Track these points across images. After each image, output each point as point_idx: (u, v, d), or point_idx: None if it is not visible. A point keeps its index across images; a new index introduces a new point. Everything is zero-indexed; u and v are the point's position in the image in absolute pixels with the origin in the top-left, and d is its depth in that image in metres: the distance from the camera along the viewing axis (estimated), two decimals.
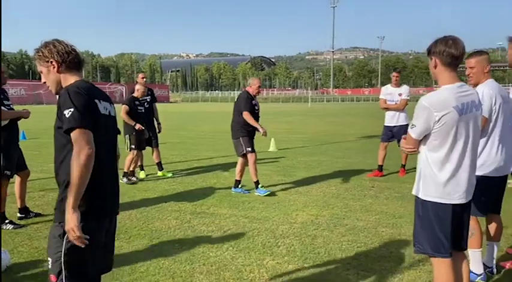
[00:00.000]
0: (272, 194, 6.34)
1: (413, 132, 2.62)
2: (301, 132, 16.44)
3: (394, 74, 7.76)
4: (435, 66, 2.61)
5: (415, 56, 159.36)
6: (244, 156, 6.42)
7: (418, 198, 2.67)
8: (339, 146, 12.04)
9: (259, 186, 6.43)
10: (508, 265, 3.72)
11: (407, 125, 7.51)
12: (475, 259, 3.45)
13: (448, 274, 2.62)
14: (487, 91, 3.33)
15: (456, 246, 2.70)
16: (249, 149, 6.41)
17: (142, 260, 3.95)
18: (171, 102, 67.78)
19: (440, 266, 2.64)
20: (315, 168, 8.53)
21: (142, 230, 4.85)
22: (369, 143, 12.50)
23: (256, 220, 5.15)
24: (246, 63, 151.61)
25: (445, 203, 2.58)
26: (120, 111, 6.69)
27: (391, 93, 7.70)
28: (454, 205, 2.59)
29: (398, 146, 7.69)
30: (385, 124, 7.76)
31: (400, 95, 7.58)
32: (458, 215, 2.63)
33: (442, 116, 2.47)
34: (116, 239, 4.02)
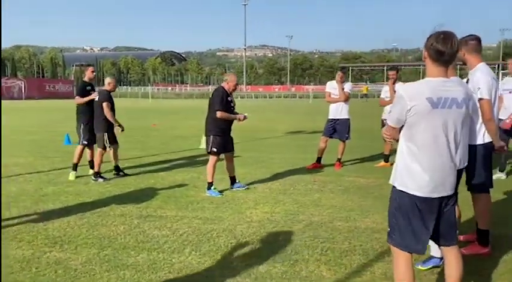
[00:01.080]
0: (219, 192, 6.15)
1: (389, 119, 2.69)
2: None
3: (340, 73, 8.03)
4: (424, 59, 2.63)
5: (320, 55, 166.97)
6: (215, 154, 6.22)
7: (394, 187, 2.70)
8: (270, 142, 12.13)
9: (212, 187, 6.20)
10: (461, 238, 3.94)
11: (349, 119, 7.86)
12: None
13: (408, 268, 2.66)
14: None
15: (440, 240, 2.74)
16: (214, 149, 6.18)
17: (100, 272, 3.56)
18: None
19: (401, 261, 2.67)
20: (252, 164, 8.46)
21: (88, 238, 4.39)
22: (298, 139, 12.81)
23: (211, 221, 4.93)
24: (156, 58, 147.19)
25: (417, 195, 2.57)
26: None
27: (335, 87, 8.02)
28: (426, 198, 2.57)
29: (344, 141, 7.94)
30: (329, 117, 8.06)
31: (342, 89, 7.94)
32: (431, 208, 2.60)
33: (413, 106, 2.49)
34: (60, 250, 3.56)
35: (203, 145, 10.74)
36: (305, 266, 3.70)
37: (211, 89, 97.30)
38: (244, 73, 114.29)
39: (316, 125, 14.55)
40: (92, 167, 7.18)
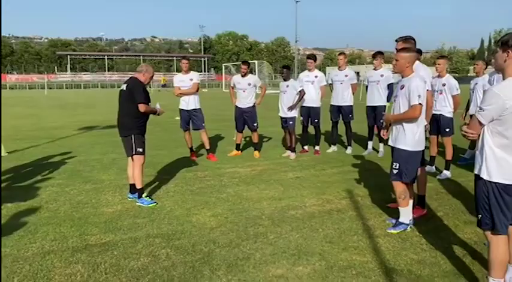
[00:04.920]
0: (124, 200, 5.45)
1: (482, 118, 2.85)
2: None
3: (183, 62, 8.10)
4: (505, 60, 2.83)
5: (23, 41, 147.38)
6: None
7: (482, 179, 2.94)
8: (86, 140, 10.68)
9: (144, 195, 5.48)
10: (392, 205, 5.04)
11: (200, 108, 8.04)
12: (404, 212, 4.55)
13: (505, 249, 2.99)
14: None
15: None
16: (140, 149, 5.42)
17: None
18: None
19: (499, 242, 2.97)
20: (112, 166, 7.57)
21: None
22: (102, 134, 11.71)
23: (168, 240, 4.47)
24: None
25: (507, 184, 2.85)
26: None
27: (182, 80, 8.14)
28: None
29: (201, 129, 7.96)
30: (180, 107, 8.24)
31: (191, 80, 8.11)
32: None
33: (511, 105, 2.72)
34: None
35: (3, 152, 8.72)
36: (286, 263, 4.01)
37: None
38: None
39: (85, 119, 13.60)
40: None
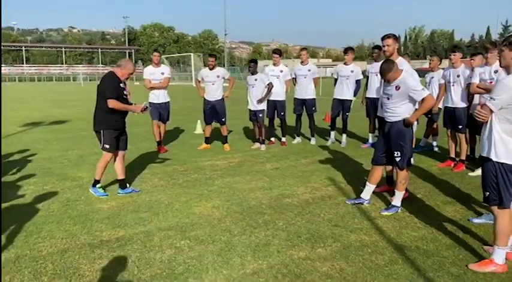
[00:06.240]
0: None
1: (493, 106, 3.28)
2: None
3: (154, 55, 8.11)
4: None
5: None
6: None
7: (491, 160, 3.38)
8: (38, 137, 10.05)
9: (98, 186, 5.55)
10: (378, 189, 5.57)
11: (169, 101, 8.12)
12: (368, 191, 5.15)
13: (510, 221, 3.45)
14: None
15: None
16: (107, 145, 5.35)
17: None
18: None
19: (505, 215, 3.42)
20: (82, 162, 7.29)
21: None
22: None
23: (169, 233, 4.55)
24: None
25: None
26: None
27: (153, 72, 8.23)
28: None
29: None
30: (150, 101, 8.23)
31: (162, 73, 8.25)
32: None
33: None
34: None
35: None
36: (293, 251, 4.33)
37: None
38: None
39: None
40: None
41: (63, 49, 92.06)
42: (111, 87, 5.27)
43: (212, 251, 3.90)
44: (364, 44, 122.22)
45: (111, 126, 5.35)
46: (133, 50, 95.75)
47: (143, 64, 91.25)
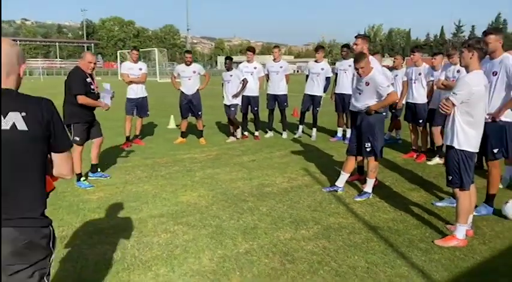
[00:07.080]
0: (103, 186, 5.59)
1: (455, 100, 3.75)
2: None
3: (133, 52, 8.27)
4: (470, 57, 3.78)
5: None
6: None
7: (453, 148, 3.88)
8: None
9: (82, 179, 5.74)
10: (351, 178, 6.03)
11: (146, 96, 8.35)
12: (342, 179, 5.62)
13: (469, 201, 3.99)
14: None
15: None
16: (77, 138, 5.49)
17: None
18: None
19: (466, 196, 3.94)
20: None
21: None
22: None
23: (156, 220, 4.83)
24: None
25: (472, 151, 3.88)
26: None
27: (131, 68, 8.43)
28: (473, 152, 3.90)
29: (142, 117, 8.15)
30: (128, 96, 8.47)
31: (140, 69, 8.47)
32: (474, 158, 3.94)
33: (476, 91, 3.71)
34: None
35: None
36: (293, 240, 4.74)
37: None
38: None
39: None
40: None
41: (18, 42, 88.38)
42: (78, 83, 5.41)
43: (205, 235, 4.22)
44: (325, 41, 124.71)
45: (80, 119, 5.52)
46: (92, 44, 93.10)
47: (103, 58, 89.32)
